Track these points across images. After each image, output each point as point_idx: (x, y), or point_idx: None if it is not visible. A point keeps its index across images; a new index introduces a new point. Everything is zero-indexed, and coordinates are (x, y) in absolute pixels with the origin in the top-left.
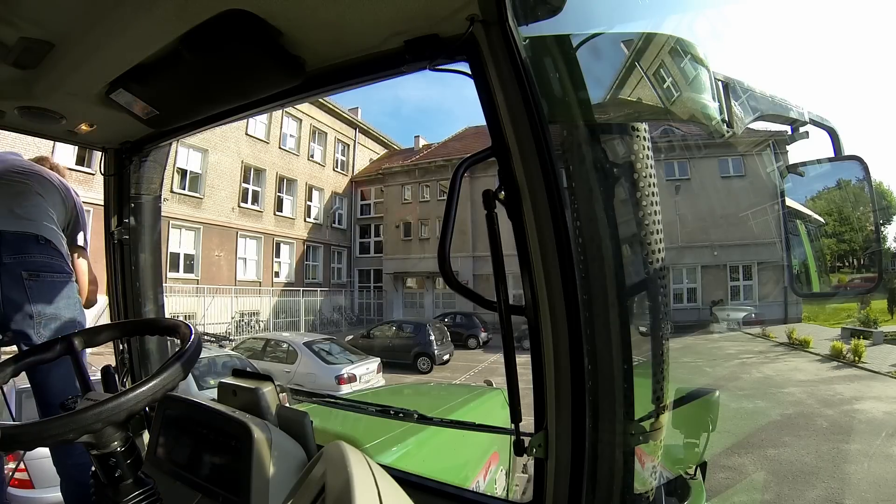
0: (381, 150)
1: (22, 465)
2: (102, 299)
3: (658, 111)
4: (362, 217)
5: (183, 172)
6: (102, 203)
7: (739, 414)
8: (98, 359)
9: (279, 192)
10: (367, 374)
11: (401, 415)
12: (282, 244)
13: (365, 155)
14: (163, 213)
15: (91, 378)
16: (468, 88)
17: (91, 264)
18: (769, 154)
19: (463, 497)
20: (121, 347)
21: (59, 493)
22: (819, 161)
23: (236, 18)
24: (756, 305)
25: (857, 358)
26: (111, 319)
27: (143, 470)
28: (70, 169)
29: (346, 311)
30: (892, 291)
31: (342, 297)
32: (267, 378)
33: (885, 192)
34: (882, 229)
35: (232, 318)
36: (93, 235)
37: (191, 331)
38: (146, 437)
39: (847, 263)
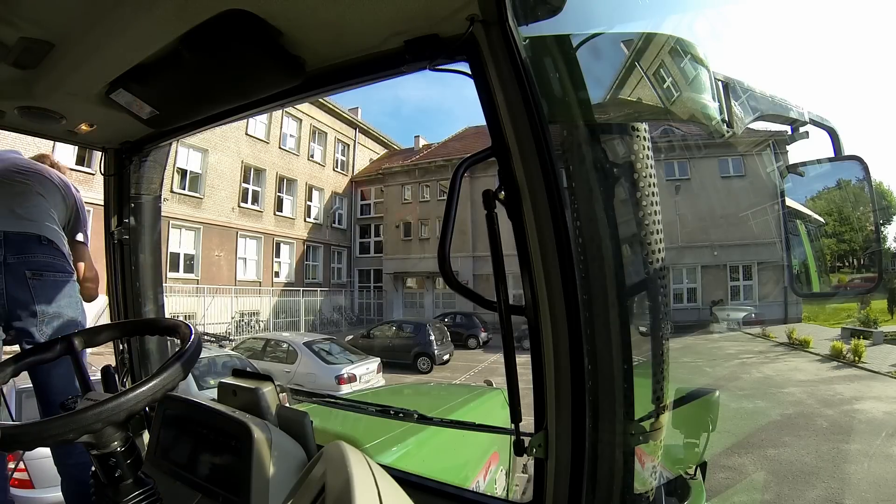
0: (381, 150)
1: (22, 465)
2: (102, 299)
3: (658, 111)
4: (362, 217)
5: (183, 172)
6: (102, 203)
7: (739, 414)
8: (98, 359)
9: (279, 192)
10: (367, 374)
11: (401, 415)
12: (282, 244)
13: (365, 155)
14: (163, 213)
15: (91, 378)
16: (468, 88)
17: (92, 259)
18: (769, 154)
19: (463, 497)
20: (121, 347)
21: (60, 493)
22: (819, 161)
23: (236, 18)
24: (756, 305)
25: (857, 358)
26: (111, 319)
27: (143, 470)
28: (70, 169)
29: (346, 311)
30: (892, 291)
31: (342, 297)
32: (267, 378)
33: (885, 192)
34: (882, 229)
35: (232, 318)
36: (93, 235)
37: (191, 331)
38: (146, 437)
39: (847, 263)
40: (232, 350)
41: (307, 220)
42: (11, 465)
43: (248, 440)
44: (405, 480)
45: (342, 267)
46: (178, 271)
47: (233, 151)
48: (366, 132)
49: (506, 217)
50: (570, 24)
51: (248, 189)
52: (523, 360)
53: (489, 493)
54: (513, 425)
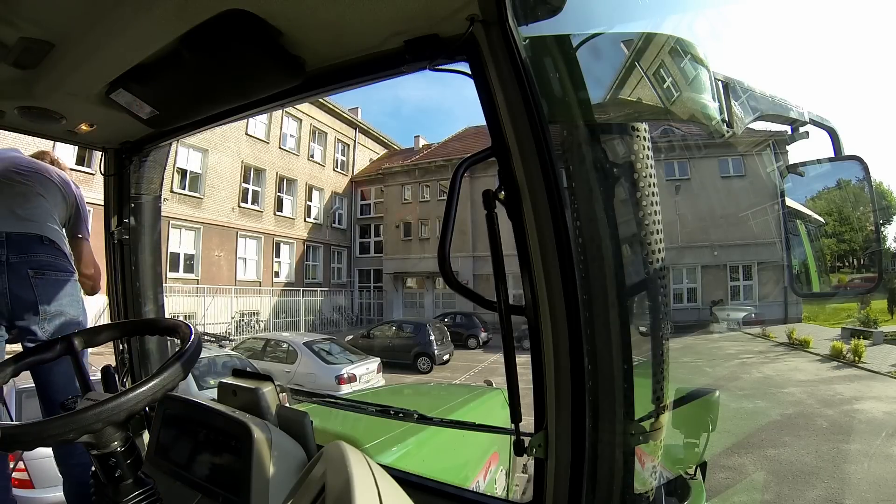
0: (381, 150)
1: (22, 465)
2: (103, 299)
3: (658, 111)
4: (362, 217)
5: (183, 172)
6: (102, 203)
7: (739, 414)
8: (98, 359)
9: (279, 192)
10: (367, 374)
11: (401, 415)
12: (282, 244)
13: (365, 155)
14: (163, 213)
15: (91, 378)
16: (468, 88)
17: (93, 254)
18: (769, 154)
19: (463, 497)
20: (121, 347)
21: (59, 493)
22: (819, 161)
23: (236, 18)
24: (756, 305)
25: (857, 358)
26: (111, 319)
27: (143, 470)
28: (70, 169)
29: (346, 311)
30: (892, 291)
31: (342, 297)
32: (267, 378)
33: (885, 192)
34: (882, 229)
35: (232, 318)
36: (93, 235)
37: (191, 331)
38: (146, 437)
39: (847, 263)
40: (232, 350)
41: (307, 220)
42: (10, 465)
43: (248, 440)
44: (405, 480)
45: (342, 267)
46: (178, 271)
47: (233, 151)
48: (366, 132)
49: (506, 217)
50: (570, 24)
51: (248, 189)
52: (523, 360)
53: (489, 493)
54: (513, 425)
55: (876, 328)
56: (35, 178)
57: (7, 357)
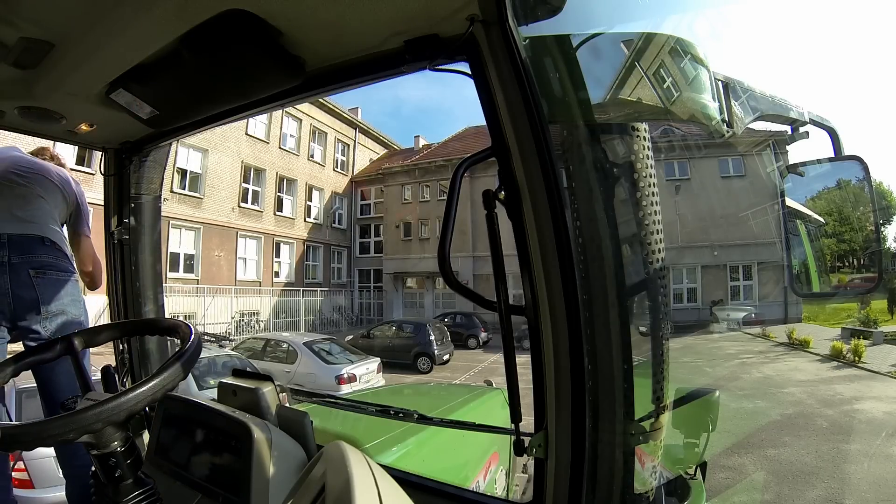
0: (381, 150)
1: (21, 465)
2: (102, 299)
3: (658, 111)
4: (362, 217)
5: (183, 172)
6: (102, 203)
7: (739, 414)
8: (98, 359)
9: (279, 192)
10: (367, 374)
11: (401, 415)
12: (282, 244)
13: (365, 155)
14: (163, 213)
15: (92, 378)
16: (468, 88)
17: (94, 250)
18: (769, 154)
19: (463, 497)
20: (121, 347)
21: (59, 493)
22: (819, 161)
23: (236, 18)
24: (756, 305)
25: (857, 358)
26: (111, 319)
27: (143, 470)
28: (70, 169)
29: (346, 311)
30: (892, 291)
31: (342, 297)
32: (267, 378)
33: (885, 192)
34: (882, 229)
35: (232, 318)
36: (93, 236)
37: (191, 331)
38: (146, 437)
39: (847, 263)
40: (232, 350)
41: (307, 220)
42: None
43: (248, 440)
44: (405, 480)
45: (342, 267)
46: (178, 271)
47: (233, 151)
48: (366, 132)
49: (506, 217)
50: (570, 24)
51: (248, 189)
52: (523, 360)
53: (489, 493)
54: (513, 425)
55: (876, 328)
56: (35, 180)
57: (7, 357)
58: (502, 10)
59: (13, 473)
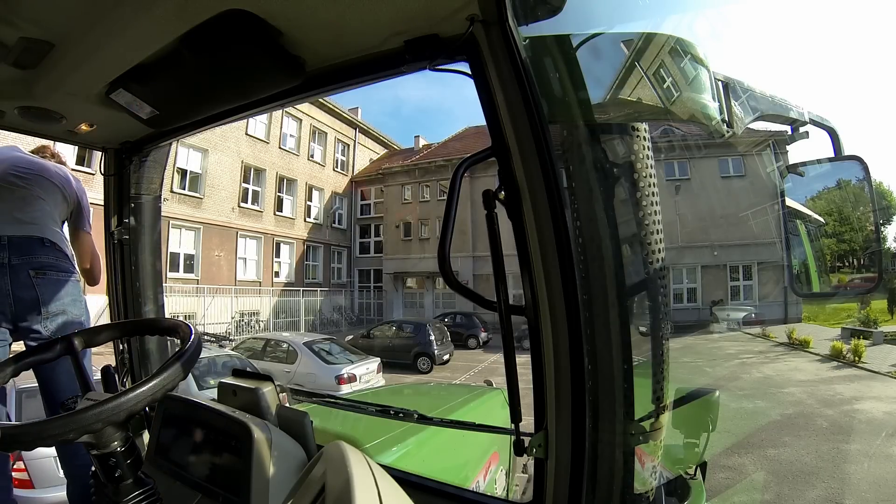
0: (381, 150)
1: (21, 465)
2: (102, 299)
3: (658, 111)
4: (362, 217)
5: (183, 172)
6: (102, 203)
7: (739, 414)
8: (98, 359)
9: (279, 192)
10: (367, 374)
11: (401, 415)
12: (282, 244)
13: (365, 155)
14: (163, 213)
15: (92, 378)
16: (468, 88)
17: (95, 246)
18: (769, 154)
19: (463, 497)
20: (121, 347)
21: (59, 493)
22: (819, 161)
23: (236, 18)
24: (756, 305)
25: (857, 358)
26: (111, 319)
27: (143, 470)
28: (72, 170)
29: (346, 311)
30: (892, 291)
31: (342, 297)
32: (267, 378)
33: (885, 192)
34: (882, 229)
35: (232, 318)
36: (93, 236)
37: (191, 331)
38: (146, 437)
39: (847, 263)
40: (232, 350)
41: (307, 220)
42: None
43: (248, 440)
44: (405, 480)
45: (342, 267)
46: (178, 271)
47: (233, 151)
48: (366, 132)
49: (506, 217)
50: (570, 24)
51: (248, 189)
52: (523, 360)
53: (489, 493)
54: (513, 425)
55: (876, 328)
56: (35, 181)
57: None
58: (502, 10)
59: (14, 474)
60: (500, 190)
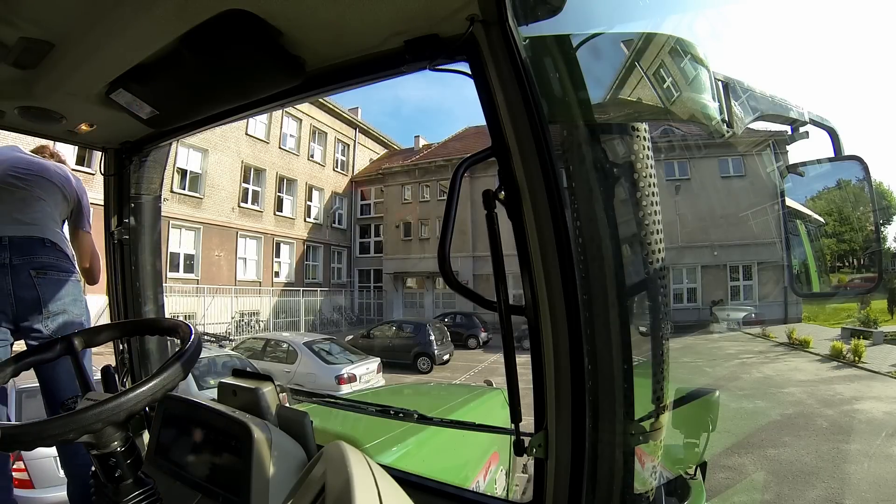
0: (381, 150)
1: (22, 465)
2: (102, 299)
3: (658, 111)
4: (362, 217)
5: (183, 172)
6: (102, 203)
7: (739, 414)
8: (98, 359)
9: (279, 192)
10: (367, 374)
11: (401, 415)
12: (282, 244)
13: (365, 155)
14: (163, 213)
15: (93, 378)
16: (468, 88)
17: (95, 246)
18: (769, 154)
19: (463, 497)
20: (121, 347)
21: (59, 493)
22: (819, 161)
23: (236, 18)
24: (756, 305)
25: (857, 358)
26: (111, 319)
27: (143, 470)
28: (73, 170)
29: (346, 311)
30: (892, 291)
31: (342, 297)
32: (267, 378)
33: (885, 192)
34: (882, 229)
35: (232, 318)
36: (93, 236)
37: (191, 331)
38: (146, 437)
39: (847, 263)
40: (232, 350)
41: (307, 220)
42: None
43: (248, 440)
44: (405, 480)
45: (342, 267)
46: (178, 271)
47: (233, 151)
48: (366, 132)
49: (506, 217)
50: (570, 24)
51: (248, 189)
52: (523, 360)
53: (489, 493)
54: (513, 425)
55: (876, 328)
56: (34, 181)
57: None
58: (502, 10)
59: (14, 474)
60: (500, 190)
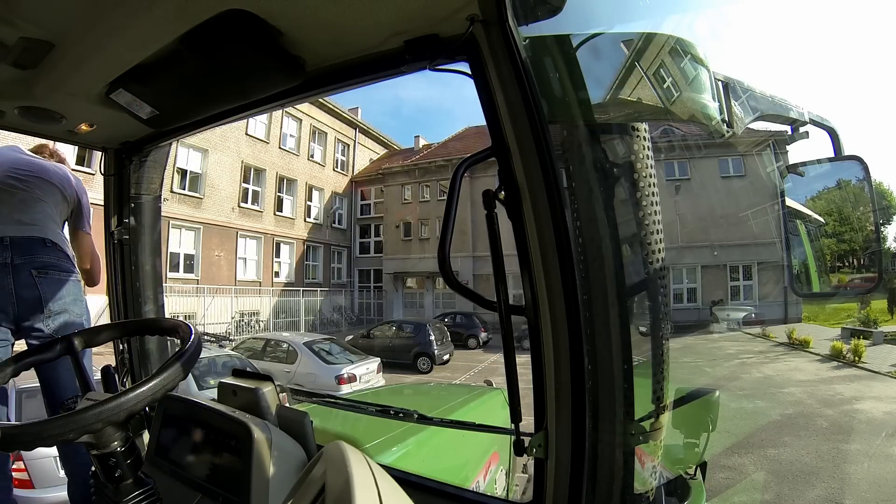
0: (381, 150)
1: (22, 465)
2: (102, 299)
3: (658, 111)
4: (362, 217)
5: (183, 172)
6: (102, 203)
7: (739, 414)
8: (98, 359)
9: (279, 192)
10: (367, 374)
11: (401, 415)
12: (282, 244)
13: (365, 155)
14: (163, 213)
15: (93, 378)
16: (468, 88)
17: (95, 247)
18: (769, 154)
19: (463, 497)
20: (121, 347)
21: (59, 493)
22: (819, 161)
23: (236, 18)
24: (756, 305)
25: (857, 358)
26: (111, 319)
27: (143, 470)
28: (72, 170)
29: (346, 311)
30: (892, 291)
31: (342, 297)
32: (267, 378)
33: (885, 192)
34: (882, 229)
35: (232, 318)
36: (93, 236)
37: (191, 331)
38: (146, 437)
39: (847, 263)
40: (232, 350)
41: (307, 220)
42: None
43: (248, 440)
44: (405, 480)
45: (342, 267)
46: (178, 271)
47: (233, 151)
48: (366, 132)
49: (506, 217)
50: (570, 24)
51: (248, 189)
52: (523, 360)
53: (489, 493)
54: (513, 425)
55: (876, 328)
56: (34, 182)
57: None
58: (502, 10)
59: (14, 474)
60: (500, 190)
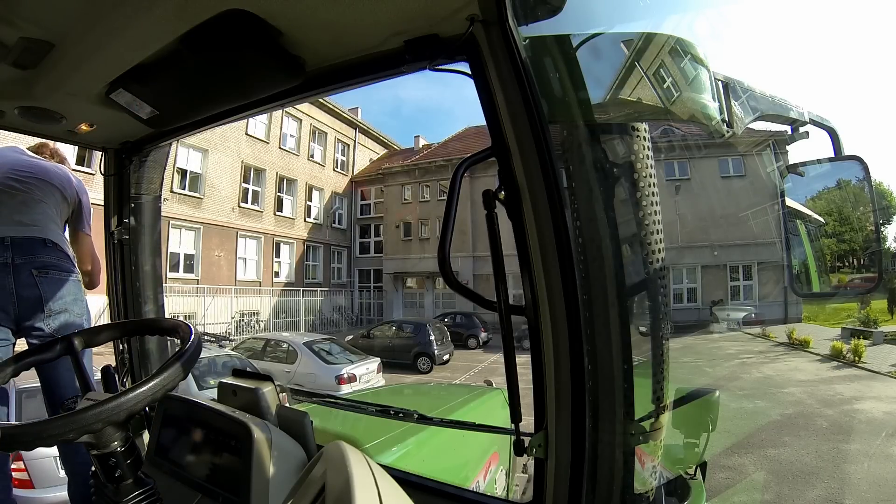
0: (381, 150)
1: (22, 465)
2: (102, 299)
3: (658, 111)
4: (362, 217)
5: (183, 172)
6: (102, 203)
7: (739, 414)
8: (98, 359)
9: (279, 192)
10: (367, 374)
11: (401, 415)
12: (282, 244)
13: (365, 155)
14: (163, 213)
15: (93, 378)
16: (468, 88)
17: (95, 248)
18: (769, 154)
19: (463, 497)
20: (121, 347)
21: (59, 493)
22: (819, 161)
23: (236, 18)
24: (756, 305)
25: (857, 358)
26: (111, 319)
27: (143, 470)
28: (73, 170)
29: (346, 311)
30: (892, 291)
31: (342, 297)
32: (267, 378)
33: (885, 192)
34: (882, 229)
35: (232, 318)
36: (93, 236)
37: (191, 331)
38: (146, 437)
39: (847, 263)
40: (232, 350)
41: (307, 220)
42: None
43: (248, 440)
44: (405, 480)
45: (342, 267)
46: (178, 271)
47: (233, 151)
48: (366, 132)
49: (506, 217)
50: (570, 24)
51: (248, 189)
52: (523, 360)
53: (489, 493)
54: (513, 425)
55: (876, 328)
56: (34, 184)
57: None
58: (502, 10)
59: (14, 474)
60: (500, 190)
